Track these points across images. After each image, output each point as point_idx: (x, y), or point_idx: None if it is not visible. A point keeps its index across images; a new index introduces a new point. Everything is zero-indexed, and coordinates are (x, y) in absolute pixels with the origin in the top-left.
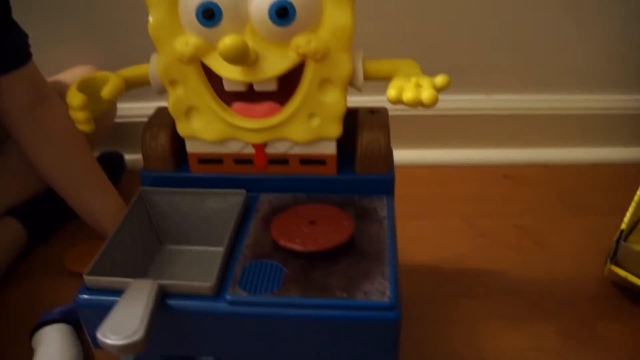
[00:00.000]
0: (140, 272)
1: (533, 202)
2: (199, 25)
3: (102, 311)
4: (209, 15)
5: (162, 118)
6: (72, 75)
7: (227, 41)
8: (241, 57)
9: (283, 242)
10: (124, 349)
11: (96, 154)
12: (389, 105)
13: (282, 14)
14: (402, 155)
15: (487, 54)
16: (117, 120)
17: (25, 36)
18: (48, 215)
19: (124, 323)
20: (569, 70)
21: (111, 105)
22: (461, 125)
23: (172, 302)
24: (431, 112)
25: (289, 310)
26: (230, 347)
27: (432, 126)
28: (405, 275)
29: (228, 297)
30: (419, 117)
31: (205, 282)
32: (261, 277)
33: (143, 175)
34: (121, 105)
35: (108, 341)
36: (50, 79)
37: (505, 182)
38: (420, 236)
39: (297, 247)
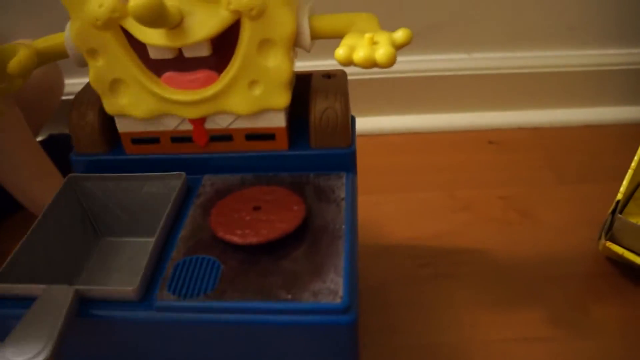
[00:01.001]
0: (72, 272)
1: (520, 169)
2: None
3: (14, 324)
4: None
5: (91, 94)
6: None
7: None
8: (156, 17)
9: (221, 234)
10: None
11: (43, 136)
12: (350, 69)
13: None
14: (376, 122)
15: (466, 8)
16: (65, 97)
17: None
18: None
19: (29, 340)
20: (557, 24)
21: (26, 79)
22: (441, 87)
23: (92, 309)
24: (409, 74)
25: (222, 316)
26: (164, 358)
27: (410, 89)
28: (381, 256)
29: (154, 302)
30: (396, 80)
31: (128, 286)
32: (195, 277)
33: (73, 160)
34: (70, 81)
35: None
36: None
37: (490, 149)
38: (397, 211)
39: (236, 239)
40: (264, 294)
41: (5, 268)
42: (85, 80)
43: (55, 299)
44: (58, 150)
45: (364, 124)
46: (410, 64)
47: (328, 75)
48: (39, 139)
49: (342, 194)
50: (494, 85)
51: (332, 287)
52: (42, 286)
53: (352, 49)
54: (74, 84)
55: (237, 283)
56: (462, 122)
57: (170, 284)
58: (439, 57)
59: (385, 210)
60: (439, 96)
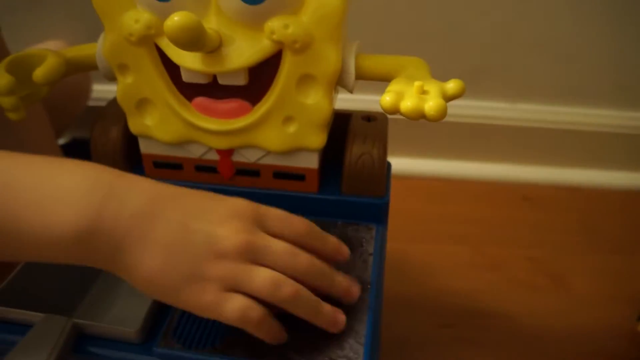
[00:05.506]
0: (76, 297)
1: (553, 231)
2: None
3: (7, 351)
4: None
5: (117, 109)
6: None
7: (176, 19)
8: (193, 40)
9: None
10: None
11: (66, 139)
12: None
13: None
14: (409, 164)
15: (514, 56)
16: (92, 103)
17: None
18: None
19: None
20: (609, 82)
21: (53, 87)
22: (479, 135)
23: (89, 346)
24: (446, 118)
25: None
26: None
27: (446, 135)
28: (402, 311)
29: (155, 349)
30: (431, 123)
31: (129, 327)
32: (203, 324)
33: None
34: (98, 87)
35: None
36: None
37: (524, 205)
38: (422, 264)
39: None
40: (275, 355)
41: (4, 287)
42: (114, 88)
43: (52, 330)
44: (81, 154)
45: (395, 164)
46: (449, 108)
47: (368, 117)
48: (62, 142)
49: (371, 249)
50: (536, 139)
51: (350, 356)
52: (39, 314)
53: (399, 96)
54: (102, 90)
55: (248, 338)
56: (498, 174)
57: (176, 330)
58: (479, 103)
59: (409, 261)
60: (476, 144)
